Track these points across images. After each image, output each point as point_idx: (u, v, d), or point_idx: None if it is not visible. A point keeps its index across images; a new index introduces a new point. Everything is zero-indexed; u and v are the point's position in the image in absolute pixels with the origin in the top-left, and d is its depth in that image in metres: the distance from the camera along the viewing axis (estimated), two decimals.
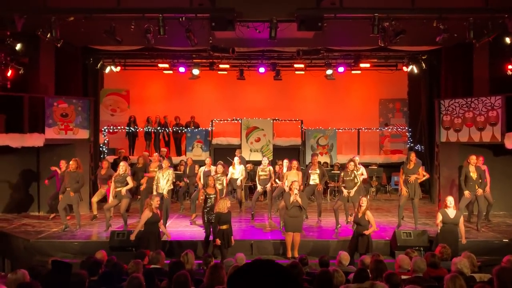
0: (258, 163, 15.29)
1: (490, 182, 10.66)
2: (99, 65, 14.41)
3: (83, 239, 9.76)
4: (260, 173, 11.68)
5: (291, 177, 10.35)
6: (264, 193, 12.43)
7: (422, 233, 9.29)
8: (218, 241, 8.43)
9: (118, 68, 15.41)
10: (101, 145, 15.53)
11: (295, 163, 10.74)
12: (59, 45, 10.04)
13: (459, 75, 13.01)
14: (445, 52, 13.19)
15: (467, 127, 12.07)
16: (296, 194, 8.96)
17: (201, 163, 13.14)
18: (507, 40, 10.36)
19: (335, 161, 16.09)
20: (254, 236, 9.95)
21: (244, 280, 1.63)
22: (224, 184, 10.50)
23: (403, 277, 5.57)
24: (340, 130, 17.02)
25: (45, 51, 12.07)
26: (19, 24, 9.25)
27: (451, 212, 8.37)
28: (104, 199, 11.36)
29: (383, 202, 14.49)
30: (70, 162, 10.44)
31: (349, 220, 9.93)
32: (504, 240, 9.47)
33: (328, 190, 14.76)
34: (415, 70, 14.82)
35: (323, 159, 16.20)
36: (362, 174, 11.26)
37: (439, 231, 8.49)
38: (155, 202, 8.63)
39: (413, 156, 10.36)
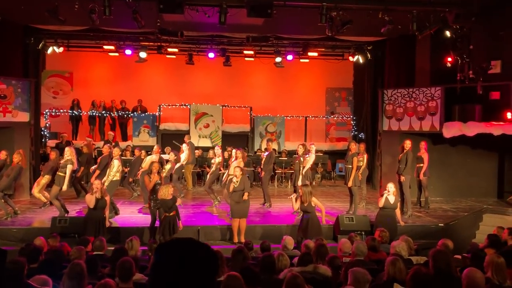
0: (207, 149, 15.24)
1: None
2: (40, 45, 13.79)
3: (22, 225, 9.41)
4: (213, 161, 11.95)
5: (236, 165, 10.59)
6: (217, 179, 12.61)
7: (364, 218, 9.64)
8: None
9: (61, 49, 14.75)
10: (43, 128, 14.94)
11: (238, 152, 10.82)
12: None
13: (402, 66, 13.45)
14: (389, 44, 13.59)
15: (408, 116, 12.54)
16: (234, 181, 9.09)
17: (148, 149, 13.01)
18: (447, 33, 10.82)
19: (283, 148, 16.30)
20: (201, 222, 9.96)
21: (168, 252, 1.71)
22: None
23: (345, 260, 5.77)
24: (288, 118, 17.26)
25: None
26: None
27: (391, 198, 8.73)
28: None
29: (328, 188, 14.86)
30: (14, 155, 9.97)
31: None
32: (440, 224, 9.99)
33: (276, 176, 14.95)
34: (361, 60, 15.16)
35: (271, 146, 16.31)
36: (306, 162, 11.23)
37: (377, 216, 8.87)
38: (97, 185, 8.39)
39: (352, 145, 10.80)
